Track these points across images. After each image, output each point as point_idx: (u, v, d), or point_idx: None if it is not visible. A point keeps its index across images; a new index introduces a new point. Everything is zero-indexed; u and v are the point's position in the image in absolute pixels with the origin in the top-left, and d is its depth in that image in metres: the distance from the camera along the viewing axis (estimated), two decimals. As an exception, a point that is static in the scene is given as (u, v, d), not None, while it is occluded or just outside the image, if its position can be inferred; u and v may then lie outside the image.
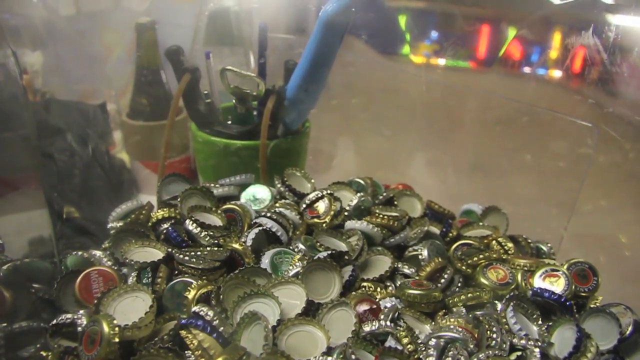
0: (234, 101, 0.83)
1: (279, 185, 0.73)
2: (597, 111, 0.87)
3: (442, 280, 0.61)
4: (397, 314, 0.55)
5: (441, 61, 1.07)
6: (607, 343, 0.55)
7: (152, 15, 0.98)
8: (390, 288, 0.61)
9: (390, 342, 0.50)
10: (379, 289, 0.60)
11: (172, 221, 0.65)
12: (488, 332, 0.52)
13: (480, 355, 0.49)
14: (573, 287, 0.59)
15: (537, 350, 0.51)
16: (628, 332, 0.56)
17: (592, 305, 0.60)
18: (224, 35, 0.99)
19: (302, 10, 1.03)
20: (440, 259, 0.63)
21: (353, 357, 0.45)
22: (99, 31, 1.18)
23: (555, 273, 0.61)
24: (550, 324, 0.55)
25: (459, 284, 0.63)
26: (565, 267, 0.62)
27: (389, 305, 0.56)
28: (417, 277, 0.62)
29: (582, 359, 0.51)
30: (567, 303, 0.56)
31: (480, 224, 0.75)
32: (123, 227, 0.64)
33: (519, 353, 0.52)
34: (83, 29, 1.19)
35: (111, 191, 0.84)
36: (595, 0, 0.84)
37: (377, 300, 0.58)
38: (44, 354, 0.53)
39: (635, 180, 0.82)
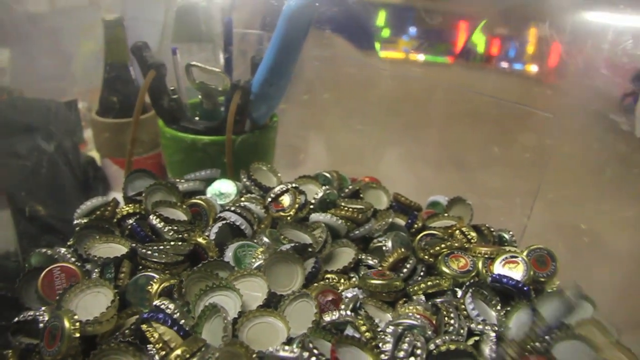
0: (200, 97, 0.83)
1: (244, 180, 0.73)
2: (562, 103, 0.89)
3: (405, 270, 0.62)
4: (358, 303, 0.56)
5: (420, 57, 1.08)
6: (552, 313, 0.56)
7: (123, 12, 0.98)
8: (353, 279, 0.62)
9: (349, 331, 0.51)
10: (342, 280, 0.61)
11: (137, 217, 0.66)
12: (446, 318, 0.54)
13: (437, 341, 0.50)
14: (532, 272, 0.61)
15: (493, 334, 0.52)
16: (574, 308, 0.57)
17: (549, 290, 0.62)
18: (192, 31, 0.99)
19: (270, 5, 1.03)
20: (403, 250, 0.64)
21: (310, 346, 0.46)
22: (70, 28, 1.17)
23: (514, 260, 0.62)
24: (509, 309, 0.57)
25: (422, 274, 0.64)
26: (524, 253, 0.64)
27: (350, 295, 0.56)
28: (380, 268, 0.63)
29: (533, 338, 0.52)
30: (525, 288, 0.57)
31: (445, 214, 0.76)
32: (87, 223, 0.64)
33: (477, 338, 0.53)
34: (54, 26, 1.18)
35: (79, 189, 0.84)
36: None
37: (340, 291, 0.58)
38: (5, 352, 0.53)
39: (597, 169, 0.84)
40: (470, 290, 0.57)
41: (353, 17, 1.02)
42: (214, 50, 1.01)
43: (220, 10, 1.09)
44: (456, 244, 0.66)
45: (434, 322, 0.54)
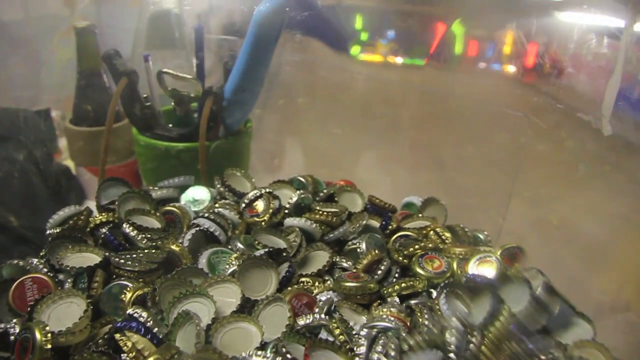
0: (173, 104, 0.83)
1: (218, 186, 0.73)
2: (532, 101, 0.90)
3: (379, 272, 0.62)
4: (332, 306, 0.56)
5: (398, 59, 1.09)
6: (520, 305, 0.56)
7: (98, 19, 0.98)
8: (328, 282, 0.62)
9: (323, 334, 0.51)
10: (317, 284, 0.61)
11: (110, 225, 0.65)
12: (420, 319, 0.54)
13: (411, 342, 0.50)
14: (504, 270, 0.61)
15: (462, 328, 0.52)
16: (538, 292, 0.57)
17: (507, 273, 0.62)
18: (165, 38, 0.99)
19: (242, 11, 1.04)
20: (377, 251, 0.64)
21: (284, 350, 0.46)
22: (44, 36, 1.16)
23: (488, 259, 0.63)
24: (477, 301, 0.57)
25: (396, 275, 0.64)
26: (498, 252, 0.64)
27: (324, 299, 0.57)
28: (354, 270, 0.63)
29: (495, 323, 0.52)
30: (493, 283, 0.58)
31: (420, 215, 0.77)
32: (60, 233, 0.63)
33: (447, 333, 0.53)
34: (28, 34, 1.17)
35: (51, 198, 0.83)
36: None
37: (314, 294, 0.58)
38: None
39: (570, 166, 0.85)
40: (445, 290, 0.58)
41: (325, 20, 1.03)
42: (188, 57, 1.01)
43: (197, 17, 1.09)
44: (430, 245, 0.66)
45: (408, 323, 0.54)
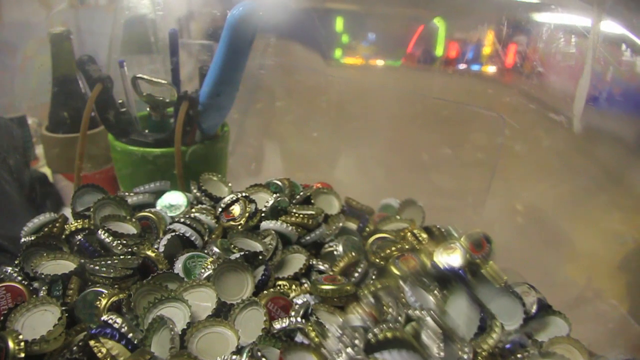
0: (148, 109, 0.82)
1: (195, 191, 0.73)
2: (505, 101, 0.91)
3: (356, 274, 0.62)
4: (309, 309, 0.56)
5: (379, 62, 1.10)
6: (513, 323, 0.57)
7: (76, 25, 0.97)
8: (305, 285, 0.62)
9: (299, 338, 0.51)
10: (293, 287, 0.61)
11: (86, 232, 0.65)
12: (384, 307, 0.54)
13: (375, 330, 0.50)
14: (468, 255, 0.62)
15: (428, 318, 0.52)
16: (533, 311, 0.58)
17: (497, 286, 0.63)
18: (140, 43, 0.99)
19: (216, 15, 1.04)
20: (354, 254, 0.64)
21: (259, 354, 0.46)
22: (19, 42, 1.15)
23: (452, 246, 0.64)
24: (445, 292, 0.58)
25: (373, 277, 0.64)
26: (462, 239, 0.65)
27: (300, 302, 0.57)
28: (331, 273, 0.63)
29: (488, 340, 0.53)
30: (460, 271, 0.59)
31: (397, 217, 0.77)
32: (35, 240, 0.63)
33: (414, 323, 0.53)
34: (3, 40, 1.16)
35: (27, 206, 0.82)
36: None
37: (291, 297, 0.59)
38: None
39: (542, 165, 0.86)
40: (409, 278, 0.58)
41: (300, 24, 1.03)
42: (164, 62, 1.00)
43: (177, 22, 1.09)
44: (407, 246, 0.67)
45: (374, 313, 0.54)
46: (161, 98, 0.80)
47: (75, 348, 0.50)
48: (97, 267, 0.57)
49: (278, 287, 0.61)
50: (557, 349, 0.55)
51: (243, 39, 0.73)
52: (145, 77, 0.78)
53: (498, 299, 0.59)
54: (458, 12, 0.97)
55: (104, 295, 0.55)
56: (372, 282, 0.62)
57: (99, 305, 0.54)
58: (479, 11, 0.93)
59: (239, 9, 0.71)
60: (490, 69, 0.94)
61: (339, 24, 1.11)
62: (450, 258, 0.62)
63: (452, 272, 0.59)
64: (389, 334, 0.49)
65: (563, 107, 0.76)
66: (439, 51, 1.02)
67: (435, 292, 0.59)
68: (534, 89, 0.82)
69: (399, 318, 0.53)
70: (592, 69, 0.70)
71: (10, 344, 0.47)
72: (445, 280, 0.61)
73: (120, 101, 0.82)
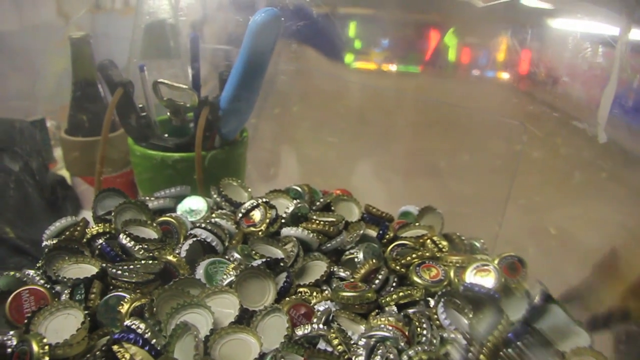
0: (169, 114, 0.83)
1: (215, 196, 0.73)
2: (531, 110, 0.90)
3: (376, 282, 0.62)
4: (330, 316, 0.56)
5: (392, 67, 1.09)
6: (518, 314, 0.57)
7: (92, 29, 0.97)
8: (326, 292, 0.62)
9: (322, 345, 0.51)
10: (314, 294, 0.61)
11: (107, 236, 0.65)
12: (418, 328, 0.54)
13: (410, 352, 0.50)
14: (503, 279, 0.61)
15: (464, 342, 0.52)
16: (536, 301, 0.58)
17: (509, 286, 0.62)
18: (160, 48, 0.99)
19: (237, 21, 1.04)
20: (374, 261, 0.64)
21: (283, 361, 0.46)
22: (38, 46, 1.16)
23: (485, 268, 0.63)
24: (481, 316, 0.57)
25: (394, 284, 0.64)
26: (496, 261, 0.64)
27: (322, 308, 0.57)
28: (352, 280, 0.63)
29: (494, 332, 0.53)
30: (496, 296, 0.58)
31: (417, 224, 0.77)
32: (56, 244, 0.63)
33: (449, 347, 0.53)
34: (22, 44, 1.17)
35: (48, 209, 0.83)
36: (521, 3, 0.87)
37: (312, 304, 0.58)
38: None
39: (565, 174, 0.85)
40: (443, 299, 0.58)
41: (320, 29, 1.03)
42: (183, 67, 1.00)
43: (190, 26, 1.09)
44: (427, 254, 0.66)
45: (406, 333, 0.54)
46: (182, 103, 0.80)
47: (98, 353, 0.50)
48: (119, 272, 0.57)
49: (299, 294, 0.61)
50: None
51: (264, 44, 0.73)
52: (166, 81, 0.78)
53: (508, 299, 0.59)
54: (472, 18, 0.97)
55: (126, 300, 0.55)
56: (393, 290, 0.62)
57: (122, 310, 0.54)
58: (498, 17, 0.93)
59: (260, 14, 0.71)
60: (509, 76, 0.94)
61: (352, 29, 1.11)
62: (484, 280, 0.61)
63: (488, 295, 0.58)
64: (424, 357, 0.49)
65: (586, 115, 0.75)
66: (455, 57, 1.02)
67: (470, 315, 0.58)
68: (557, 97, 0.81)
69: (434, 340, 0.53)
70: (618, 78, 0.69)
71: (35, 348, 0.47)
72: (479, 302, 0.60)
73: (140, 105, 0.82)
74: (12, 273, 0.60)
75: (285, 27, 0.76)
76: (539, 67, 0.83)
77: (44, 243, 0.66)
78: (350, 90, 1.13)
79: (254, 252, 0.61)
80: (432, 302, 0.60)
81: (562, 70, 0.80)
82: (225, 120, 0.80)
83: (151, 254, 0.61)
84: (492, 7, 0.90)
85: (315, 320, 0.55)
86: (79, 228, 0.67)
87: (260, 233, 0.67)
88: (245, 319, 0.54)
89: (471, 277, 0.63)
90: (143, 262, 0.59)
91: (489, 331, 0.52)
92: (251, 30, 0.72)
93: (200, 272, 0.59)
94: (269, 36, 0.73)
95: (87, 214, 0.73)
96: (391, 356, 0.50)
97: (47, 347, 0.47)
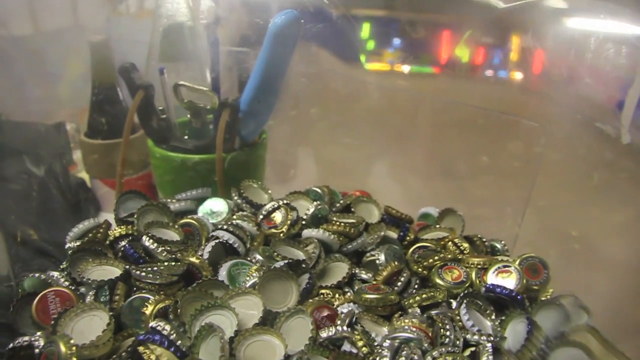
0: (189, 116, 0.83)
1: (235, 198, 0.73)
2: (548, 111, 0.90)
3: (399, 284, 0.62)
4: (354, 318, 0.56)
5: (405, 68, 1.09)
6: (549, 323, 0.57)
7: (110, 32, 0.98)
8: (348, 294, 0.62)
9: (346, 347, 0.51)
10: (337, 295, 0.61)
11: (130, 238, 0.65)
12: (441, 330, 0.54)
13: (434, 353, 0.50)
14: (524, 281, 0.61)
15: (489, 344, 0.52)
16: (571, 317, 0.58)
17: (543, 298, 0.62)
18: (178, 51, 0.99)
19: (254, 23, 1.04)
20: (396, 263, 0.64)
21: (308, 363, 0.46)
22: (55, 50, 1.17)
23: (507, 269, 0.62)
24: (504, 318, 0.57)
25: (416, 286, 0.64)
26: (517, 262, 0.64)
27: (345, 310, 0.57)
28: (374, 282, 0.63)
29: (531, 349, 0.52)
30: (518, 297, 0.58)
31: (437, 226, 0.77)
32: (80, 246, 0.63)
33: (473, 348, 0.53)
34: (40, 48, 1.18)
35: (70, 211, 0.83)
36: (540, 3, 0.86)
37: (335, 306, 0.58)
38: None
39: (585, 176, 0.85)
40: (465, 301, 0.58)
41: (338, 31, 1.03)
42: (201, 69, 1.01)
43: (205, 28, 1.09)
44: (449, 256, 0.66)
45: (429, 334, 0.54)
46: (202, 105, 0.80)
47: (124, 354, 0.51)
48: (143, 274, 0.57)
49: (321, 296, 0.61)
50: (577, 337, 0.55)
51: (285, 47, 0.74)
52: (187, 84, 0.78)
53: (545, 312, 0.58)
54: (486, 17, 0.96)
55: (150, 302, 0.55)
56: (415, 292, 0.62)
57: (146, 312, 0.54)
58: (517, 19, 0.92)
59: (281, 17, 0.71)
60: (525, 76, 0.93)
61: (365, 30, 1.11)
62: (505, 282, 0.61)
63: (511, 297, 0.58)
64: (449, 358, 0.49)
65: (609, 117, 0.75)
66: (471, 58, 1.02)
67: (493, 316, 0.58)
68: (578, 98, 0.81)
69: (457, 342, 0.53)
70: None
71: (62, 348, 0.47)
72: (501, 304, 0.60)
73: (160, 108, 0.82)
74: (37, 275, 0.60)
75: (304, 29, 0.75)
76: (560, 68, 0.82)
77: (68, 245, 0.67)
78: (366, 92, 1.13)
79: (275, 253, 0.61)
80: (454, 304, 0.60)
81: (583, 71, 0.79)
82: (245, 122, 0.80)
83: (174, 256, 0.62)
84: (510, 7, 0.89)
85: (339, 322, 0.55)
86: (101, 230, 0.68)
87: (281, 235, 0.67)
88: (269, 320, 0.54)
89: (493, 278, 0.62)
90: (166, 263, 0.60)
91: (518, 338, 0.52)
92: (271, 33, 0.72)
93: (223, 274, 0.59)
94: (289, 38, 0.74)
95: (107, 216, 0.73)
96: (415, 357, 0.49)
97: (74, 348, 0.48)
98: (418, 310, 0.58)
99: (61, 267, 0.63)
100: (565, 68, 0.82)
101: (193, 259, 0.61)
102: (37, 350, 0.52)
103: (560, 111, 0.84)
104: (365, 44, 1.13)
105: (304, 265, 0.61)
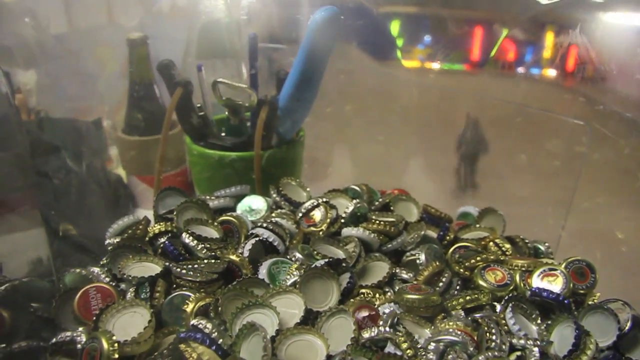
0: (227, 113, 0.83)
1: (274, 195, 0.73)
2: (590, 109, 0.88)
3: (440, 284, 0.61)
4: (396, 319, 0.55)
5: (435, 65, 1.08)
6: (607, 339, 0.55)
7: (144, 30, 0.98)
8: (388, 294, 0.61)
9: (390, 348, 0.50)
10: (377, 295, 0.60)
11: (169, 235, 0.65)
12: (487, 334, 0.53)
13: (480, 357, 0.49)
14: (571, 285, 0.59)
15: (536, 349, 0.51)
16: (627, 328, 0.56)
17: (590, 302, 0.60)
18: (215, 48, 0.99)
19: (294, 20, 1.04)
20: (437, 263, 0.63)
21: (352, 364, 0.45)
22: (92, 48, 1.18)
23: (553, 272, 0.61)
24: (550, 322, 0.56)
25: (458, 287, 0.63)
26: (563, 265, 0.62)
27: (387, 311, 0.56)
28: (415, 282, 0.62)
29: (582, 357, 0.51)
30: (565, 301, 0.56)
31: (477, 225, 0.75)
32: (120, 242, 0.64)
33: (519, 353, 0.52)
34: (76, 46, 1.19)
35: (108, 207, 0.84)
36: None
37: (376, 306, 0.58)
38: (44, 373, 0.53)
39: (630, 176, 0.82)
40: (510, 304, 0.56)
41: (375, 27, 1.02)
42: (237, 66, 1.01)
43: (237, 24, 1.09)
44: (491, 257, 0.65)
45: (474, 337, 0.53)
46: (240, 102, 0.80)
47: (165, 351, 0.50)
48: (183, 271, 0.57)
49: (362, 295, 0.60)
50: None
51: (324, 43, 0.73)
52: (226, 81, 0.78)
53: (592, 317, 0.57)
54: (518, 13, 0.94)
55: (191, 299, 0.55)
56: (458, 294, 0.61)
57: (186, 309, 0.54)
58: (557, 13, 0.90)
59: (320, 13, 0.71)
60: (563, 74, 0.91)
61: (395, 26, 1.10)
62: (552, 285, 0.60)
63: (558, 301, 0.57)
64: None
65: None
66: (502, 54, 1.00)
67: (539, 321, 0.57)
68: (624, 97, 0.78)
69: (503, 346, 0.52)
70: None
71: (105, 345, 0.47)
72: (545, 308, 0.58)
73: (198, 105, 0.82)
74: (78, 270, 0.61)
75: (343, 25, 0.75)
76: (607, 65, 0.80)
77: (107, 241, 0.67)
78: (401, 88, 1.11)
79: (315, 252, 0.60)
80: (498, 307, 0.59)
81: (633, 68, 0.77)
82: (283, 120, 0.80)
83: (213, 253, 0.61)
84: (550, 4, 0.87)
85: (381, 323, 0.54)
86: (141, 227, 0.67)
87: (320, 233, 0.66)
88: (310, 319, 0.54)
89: (538, 281, 0.61)
90: (206, 261, 0.59)
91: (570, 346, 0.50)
92: (311, 29, 0.71)
93: (263, 272, 0.59)
94: (329, 35, 0.73)
95: (143, 213, 0.73)
96: None
97: (116, 345, 0.48)
98: (462, 313, 0.57)
99: (101, 262, 0.63)
100: (613, 64, 0.80)
101: (233, 257, 0.60)
102: (79, 346, 0.52)
103: (604, 109, 0.82)
104: (395, 40, 1.12)
105: (344, 264, 0.61)
